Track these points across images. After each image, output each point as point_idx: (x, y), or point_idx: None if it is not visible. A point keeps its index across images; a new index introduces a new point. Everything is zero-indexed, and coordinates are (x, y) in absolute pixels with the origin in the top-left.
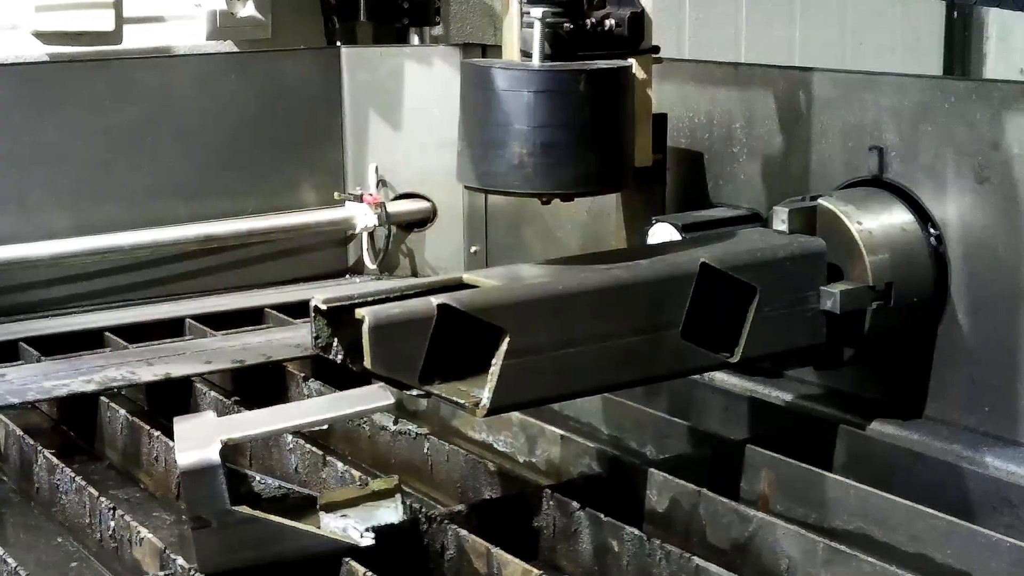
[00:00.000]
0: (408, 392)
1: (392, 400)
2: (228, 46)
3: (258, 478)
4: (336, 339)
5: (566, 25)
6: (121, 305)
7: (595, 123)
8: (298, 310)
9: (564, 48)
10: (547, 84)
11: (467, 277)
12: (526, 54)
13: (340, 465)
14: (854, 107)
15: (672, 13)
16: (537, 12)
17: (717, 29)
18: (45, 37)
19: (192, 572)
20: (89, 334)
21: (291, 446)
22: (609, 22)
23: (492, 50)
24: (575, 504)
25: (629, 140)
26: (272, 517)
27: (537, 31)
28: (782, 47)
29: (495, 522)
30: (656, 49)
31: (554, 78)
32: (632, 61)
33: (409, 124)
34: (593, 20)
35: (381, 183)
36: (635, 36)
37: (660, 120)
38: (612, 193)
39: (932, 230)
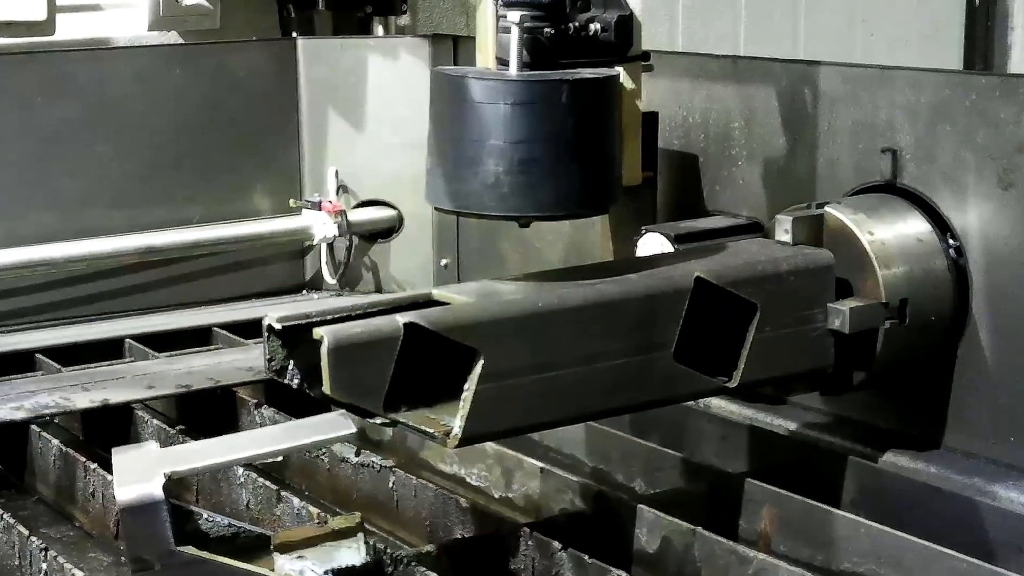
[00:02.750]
0: (372, 420)
1: (354, 429)
2: (172, 37)
3: (205, 515)
4: (292, 362)
5: (547, 30)
6: (54, 324)
7: (579, 138)
8: (250, 329)
9: (545, 55)
10: (526, 95)
11: (437, 293)
12: (503, 62)
13: (296, 501)
14: (865, 105)
15: (664, 1)
16: (515, 16)
17: (713, 18)
18: None
19: None
20: (18, 356)
21: (242, 480)
22: (594, 26)
23: (464, 41)
24: (556, 544)
25: (616, 157)
26: (221, 559)
27: (515, 37)
28: (785, 38)
29: (468, 564)
30: (646, 56)
31: (533, 89)
32: (619, 69)
33: (372, 124)
34: (576, 24)
35: (341, 189)
36: (623, 42)
37: (651, 120)
38: (597, 215)
39: (951, 241)
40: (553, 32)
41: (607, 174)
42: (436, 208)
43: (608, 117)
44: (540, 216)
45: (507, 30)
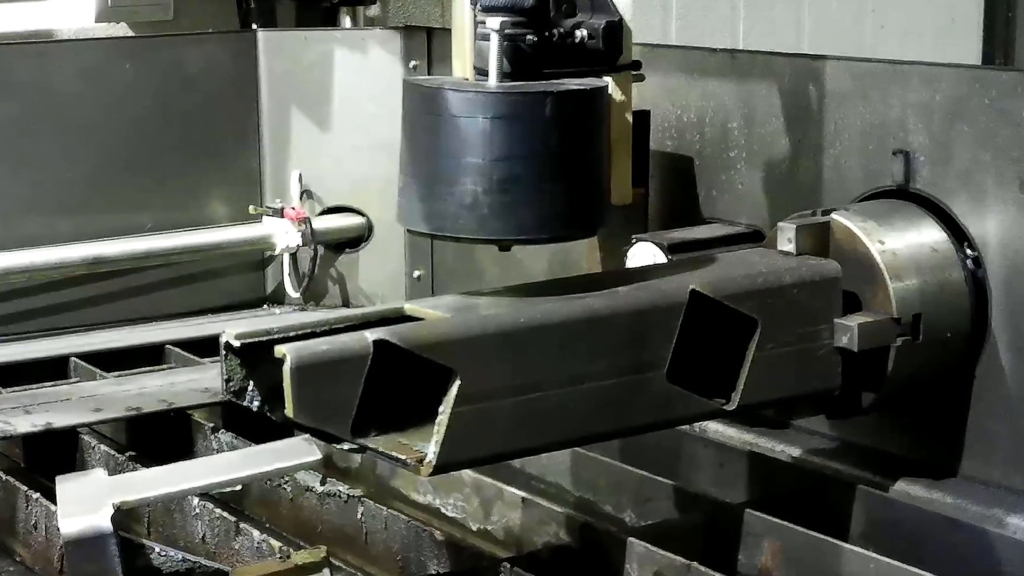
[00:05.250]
0: (338, 446)
1: (319, 455)
2: (121, 29)
3: (158, 549)
4: (252, 382)
5: (529, 37)
6: None
7: (564, 155)
8: (206, 347)
9: (527, 65)
10: (507, 109)
11: (409, 308)
12: (481, 71)
13: (257, 534)
14: (875, 103)
15: None
16: (494, 22)
17: (710, 9)
18: None
19: None
20: None
21: (198, 511)
22: (580, 33)
23: (439, 34)
24: None
25: (604, 174)
26: None
27: (494, 45)
28: (788, 30)
29: None
30: (637, 65)
31: (515, 102)
32: (608, 80)
33: (339, 123)
34: (561, 31)
35: (305, 194)
36: (611, 50)
37: (641, 120)
38: (584, 238)
39: (969, 251)
40: (536, 39)
41: (595, 194)
42: (409, 231)
43: (596, 132)
44: (522, 240)
45: (486, 37)
